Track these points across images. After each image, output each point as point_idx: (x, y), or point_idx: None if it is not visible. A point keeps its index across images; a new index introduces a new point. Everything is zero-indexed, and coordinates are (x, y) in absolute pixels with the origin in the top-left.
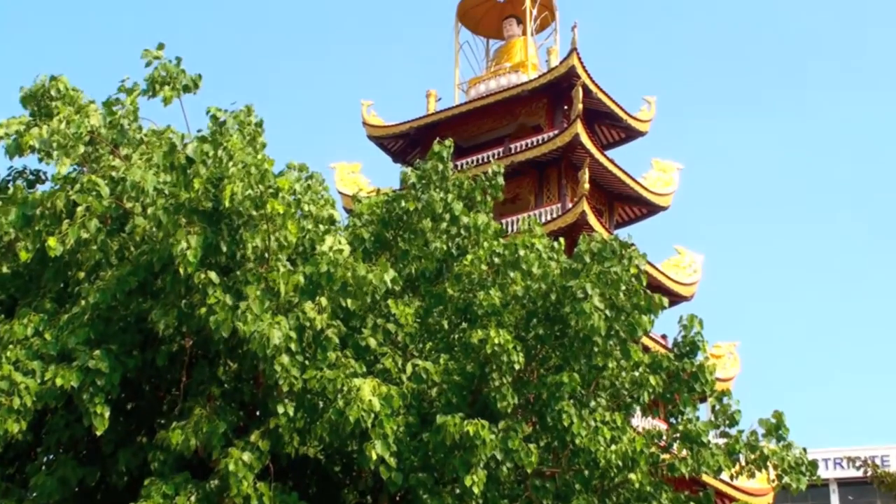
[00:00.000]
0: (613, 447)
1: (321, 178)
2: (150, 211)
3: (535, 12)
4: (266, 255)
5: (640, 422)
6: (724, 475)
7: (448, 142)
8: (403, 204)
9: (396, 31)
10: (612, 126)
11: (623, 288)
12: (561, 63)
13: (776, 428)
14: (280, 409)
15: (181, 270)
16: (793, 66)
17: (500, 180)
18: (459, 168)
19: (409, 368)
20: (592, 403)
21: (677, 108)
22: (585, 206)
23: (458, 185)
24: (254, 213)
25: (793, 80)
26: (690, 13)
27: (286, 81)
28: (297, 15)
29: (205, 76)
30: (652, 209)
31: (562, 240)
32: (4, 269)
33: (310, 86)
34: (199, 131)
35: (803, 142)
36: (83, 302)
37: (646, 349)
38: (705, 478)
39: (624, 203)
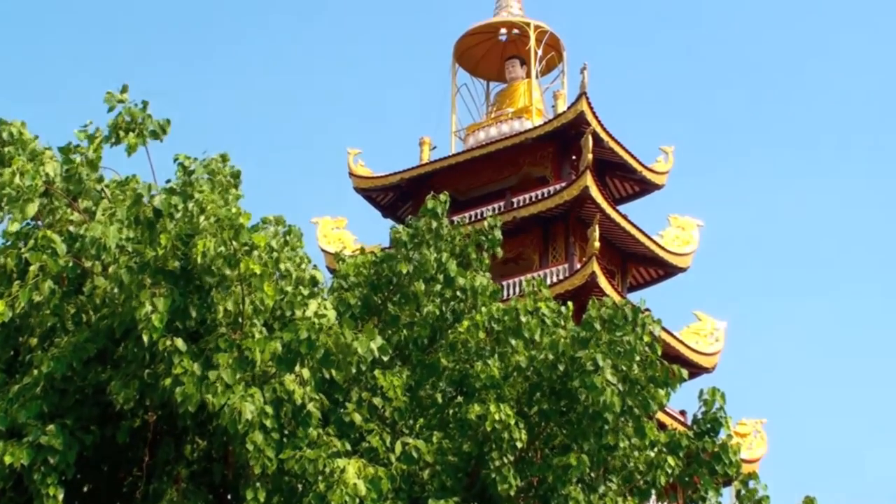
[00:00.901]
0: None
1: (300, 233)
2: (111, 270)
3: (540, 53)
4: (240, 319)
5: None
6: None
7: (443, 196)
8: (394, 265)
9: (387, 72)
10: (625, 178)
11: (637, 359)
12: (569, 108)
13: None
14: (249, 495)
15: (145, 337)
16: (828, 110)
17: (498, 234)
18: (456, 224)
19: (398, 447)
20: (602, 488)
21: (698, 159)
22: (595, 267)
23: (451, 241)
24: (227, 272)
25: (829, 124)
26: (712, 55)
27: (265, 127)
28: (277, 53)
29: (177, 121)
30: (669, 271)
31: (570, 304)
32: None
33: (290, 132)
34: (167, 182)
35: (840, 196)
36: (35, 371)
37: (662, 427)
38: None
39: (638, 264)
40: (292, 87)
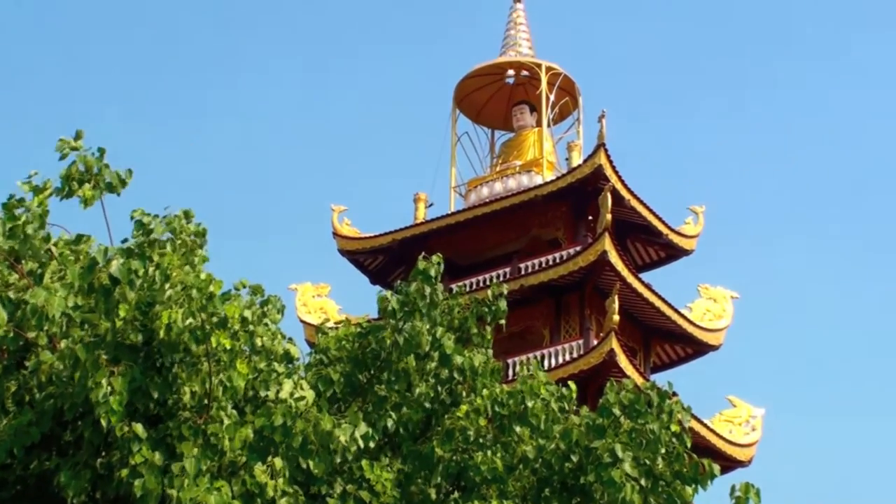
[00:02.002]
0: None
1: (279, 302)
2: (63, 345)
3: (552, 98)
4: (207, 401)
5: None
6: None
7: (436, 258)
8: (381, 337)
9: (378, 119)
10: (648, 242)
11: (662, 451)
12: (585, 162)
13: None
14: None
15: (103, 421)
16: (873, 169)
17: (503, 305)
18: (455, 292)
19: None
20: None
21: (732, 221)
22: (615, 344)
23: (448, 313)
24: (194, 348)
25: (878, 188)
26: (747, 104)
27: (236, 179)
28: (253, 96)
29: (139, 173)
30: (699, 349)
31: (573, 385)
32: None
33: (266, 185)
34: (123, 241)
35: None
36: None
37: None
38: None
39: (664, 340)
40: (269, 135)
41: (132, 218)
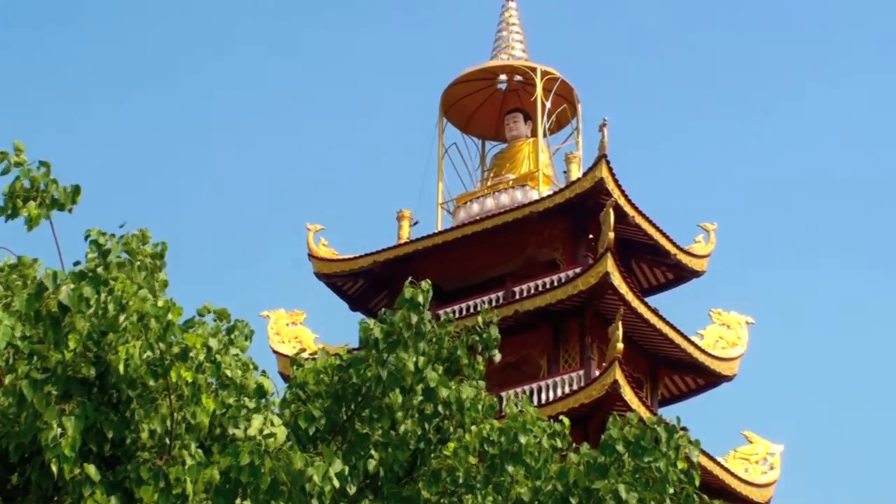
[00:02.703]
0: None
1: (247, 328)
2: (8, 380)
3: (548, 105)
4: (168, 441)
5: None
6: None
7: (425, 284)
8: (363, 371)
9: (358, 129)
10: (655, 263)
11: (670, 491)
12: (585, 175)
13: None
14: None
15: (53, 466)
16: None
17: (495, 333)
18: (442, 320)
19: None
20: None
21: (746, 239)
22: (619, 375)
23: (437, 342)
24: (152, 383)
25: None
26: (763, 112)
27: (200, 195)
28: (222, 104)
29: (89, 189)
30: (711, 379)
31: (566, 420)
32: None
33: (234, 202)
34: (75, 264)
35: None
36: None
37: None
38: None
39: (672, 370)
40: (238, 147)
41: (87, 238)
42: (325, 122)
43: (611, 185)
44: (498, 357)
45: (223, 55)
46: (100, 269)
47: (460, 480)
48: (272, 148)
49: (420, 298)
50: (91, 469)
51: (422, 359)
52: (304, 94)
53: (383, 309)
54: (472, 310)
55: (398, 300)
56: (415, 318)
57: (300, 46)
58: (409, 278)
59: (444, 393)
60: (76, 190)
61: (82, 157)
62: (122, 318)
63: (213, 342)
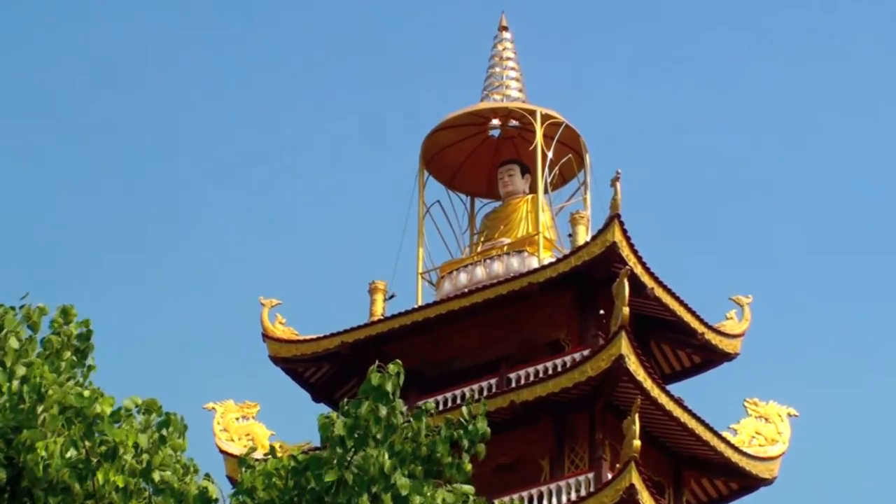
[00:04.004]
0: None
1: (181, 423)
2: None
3: (550, 155)
4: None
5: None
6: None
7: (393, 366)
8: (323, 473)
9: (322, 185)
10: (679, 344)
11: None
12: (595, 238)
13: None
14: None
15: None
16: None
17: (484, 426)
18: (420, 410)
19: None
20: None
21: (787, 315)
22: (635, 478)
23: (413, 438)
24: (76, 487)
25: None
26: (802, 165)
27: (134, 264)
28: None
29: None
30: (747, 483)
31: None
32: None
33: (175, 271)
34: None
35: None
36: None
37: None
38: None
39: (700, 472)
40: (178, 204)
41: None
42: (282, 175)
43: (625, 251)
44: (483, 452)
45: (176, 107)
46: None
47: None
48: (219, 205)
49: (389, 385)
50: None
51: (388, 461)
52: (256, 140)
53: (346, 399)
54: (458, 400)
55: (363, 388)
56: (384, 410)
57: (253, 90)
58: (377, 362)
59: (417, 500)
60: None
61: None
62: (40, 409)
63: (142, 438)
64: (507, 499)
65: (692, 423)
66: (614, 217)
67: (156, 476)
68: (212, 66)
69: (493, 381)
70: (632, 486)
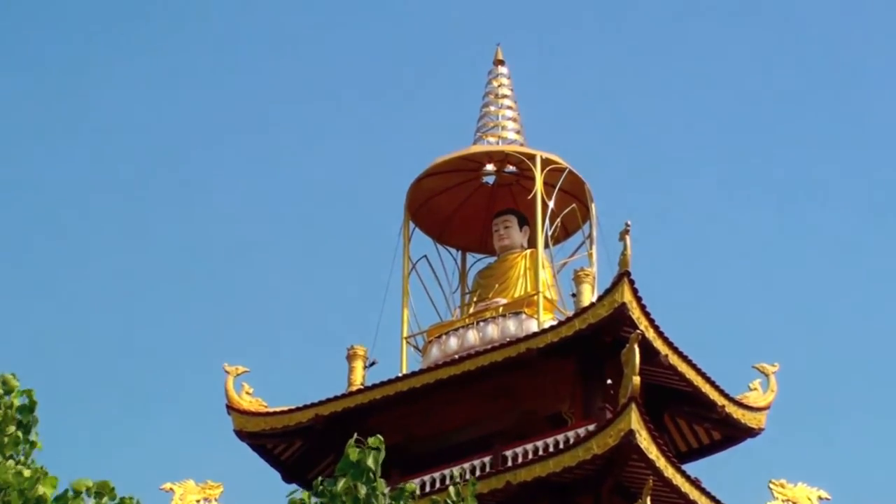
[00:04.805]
0: None
1: None
2: None
3: (552, 205)
4: None
5: None
6: None
7: (374, 440)
8: None
9: (292, 239)
10: (697, 418)
11: None
12: (602, 299)
13: None
14: None
15: None
16: None
17: None
18: (400, 489)
19: None
20: None
21: (818, 385)
22: None
23: None
24: None
25: None
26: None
27: (80, 328)
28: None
29: None
30: None
31: None
32: None
33: (129, 338)
34: None
35: None
36: None
37: None
38: None
39: None
40: (132, 263)
41: None
42: (249, 229)
43: (636, 313)
44: None
45: (143, 164)
46: None
47: None
48: (182, 266)
49: (370, 461)
50: None
51: None
52: (221, 189)
53: (320, 478)
54: (447, 480)
55: (340, 465)
56: (364, 490)
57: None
58: (356, 436)
59: None
60: None
61: None
62: None
63: None
64: None
65: None
66: (623, 275)
67: None
68: (171, 128)
69: (486, 458)
70: None
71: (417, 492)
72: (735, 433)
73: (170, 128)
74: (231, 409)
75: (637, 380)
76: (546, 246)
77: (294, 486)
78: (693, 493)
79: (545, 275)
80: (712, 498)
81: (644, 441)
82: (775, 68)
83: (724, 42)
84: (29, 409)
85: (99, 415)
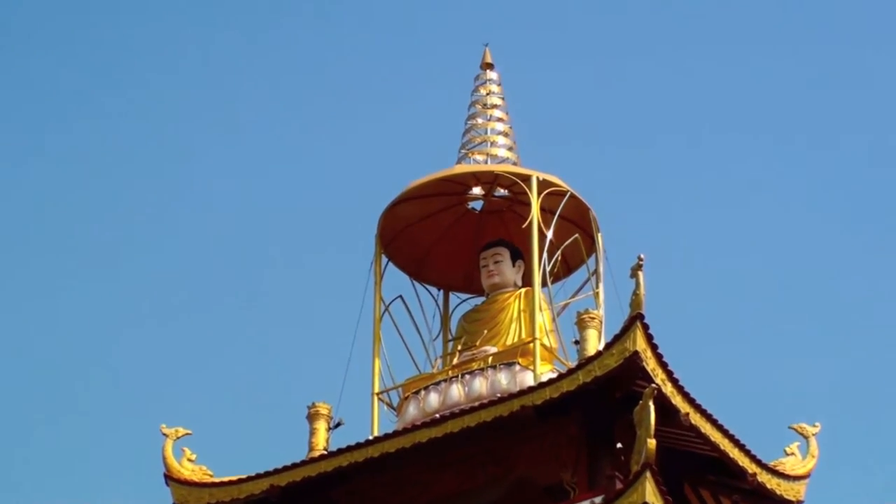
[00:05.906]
0: None
1: None
2: None
3: (550, 235)
4: None
5: None
6: None
7: None
8: None
9: (245, 284)
10: (723, 488)
11: None
12: (609, 347)
13: None
14: None
15: None
16: None
17: None
18: None
19: None
20: None
21: (863, 445)
22: None
23: None
24: None
25: None
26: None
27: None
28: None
29: None
30: None
31: None
32: None
33: (54, 394)
34: None
35: None
36: None
37: None
38: None
39: None
40: (50, 301)
41: None
42: (197, 265)
43: (651, 364)
44: None
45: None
46: None
47: None
48: (113, 308)
49: None
50: None
51: None
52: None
53: None
54: None
55: None
56: None
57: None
58: None
59: None
60: None
61: None
62: None
63: None
64: None
65: None
66: (636, 318)
67: None
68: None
69: None
70: None
71: None
72: None
73: None
74: (169, 479)
75: (652, 443)
76: (544, 284)
77: None
78: None
79: (543, 318)
80: None
81: None
82: (795, 79)
83: (748, 43)
84: None
85: (16, 481)
